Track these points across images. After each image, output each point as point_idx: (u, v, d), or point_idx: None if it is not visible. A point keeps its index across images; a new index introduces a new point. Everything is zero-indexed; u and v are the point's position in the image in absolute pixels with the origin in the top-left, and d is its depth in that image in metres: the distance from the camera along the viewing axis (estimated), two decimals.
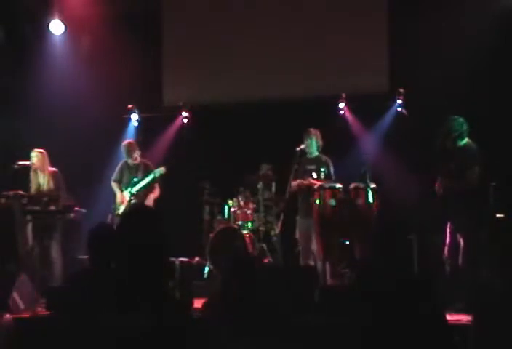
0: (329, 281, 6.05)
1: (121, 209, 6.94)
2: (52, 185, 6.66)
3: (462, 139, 5.48)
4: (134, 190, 6.93)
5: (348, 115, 7.92)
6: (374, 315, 2.63)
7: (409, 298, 2.62)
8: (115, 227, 4.73)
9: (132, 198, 6.93)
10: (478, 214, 5.40)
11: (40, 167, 6.71)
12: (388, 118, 7.74)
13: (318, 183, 6.20)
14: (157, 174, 6.96)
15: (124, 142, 7.24)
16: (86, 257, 5.54)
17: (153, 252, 2.04)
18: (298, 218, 6.50)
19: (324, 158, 6.49)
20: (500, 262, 5.15)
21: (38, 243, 6.45)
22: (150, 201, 6.99)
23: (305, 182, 6.33)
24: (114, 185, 7.14)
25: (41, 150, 6.77)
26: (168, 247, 2.09)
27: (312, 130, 6.52)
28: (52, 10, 7.82)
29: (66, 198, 6.62)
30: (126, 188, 7.00)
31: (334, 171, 6.47)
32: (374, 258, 2.81)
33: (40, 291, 5.62)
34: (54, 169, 6.78)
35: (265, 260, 7.15)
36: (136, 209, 2.24)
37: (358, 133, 7.89)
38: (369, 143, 7.76)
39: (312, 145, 6.49)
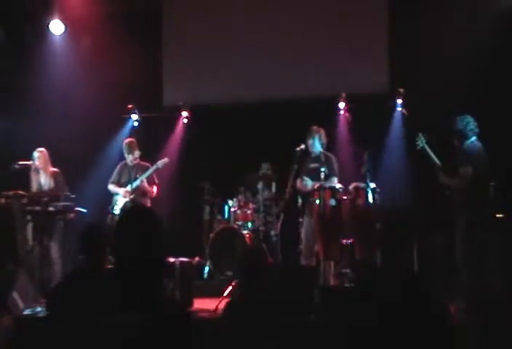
0: (332, 281, 6.03)
1: (121, 204, 6.92)
2: (53, 185, 6.67)
3: (467, 138, 5.51)
4: (135, 184, 6.90)
5: (348, 115, 7.90)
6: (374, 315, 2.62)
7: (413, 298, 2.60)
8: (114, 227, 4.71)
9: (131, 193, 6.90)
10: (477, 214, 5.40)
11: (43, 167, 6.74)
12: (391, 118, 7.73)
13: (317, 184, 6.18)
14: (160, 165, 6.95)
15: (126, 140, 7.23)
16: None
17: (151, 252, 2.04)
18: (304, 218, 6.43)
19: (326, 156, 6.41)
20: (500, 262, 5.16)
21: (38, 243, 6.44)
22: (147, 199, 6.98)
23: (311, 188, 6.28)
24: (112, 187, 7.12)
25: (43, 150, 6.79)
26: (165, 247, 2.09)
27: (315, 128, 6.48)
28: (52, 10, 7.81)
29: (66, 197, 6.61)
30: (127, 186, 6.97)
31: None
32: (383, 260, 2.76)
33: (40, 291, 5.62)
34: (55, 169, 6.79)
35: None
36: (133, 209, 2.24)
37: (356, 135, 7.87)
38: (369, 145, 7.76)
39: (315, 144, 6.45)
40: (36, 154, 6.75)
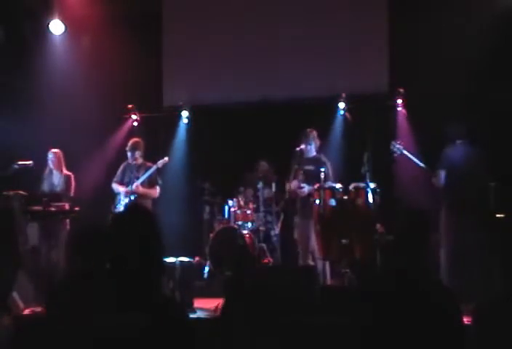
0: (328, 281, 6.05)
1: (124, 203, 6.92)
2: (64, 187, 6.73)
3: (451, 142, 5.81)
4: (135, 184, 6.88)
5: (348, 115, 7.90)
6: (375, 315, 2.61)
7: (431, 299, 2.58)
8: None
9: (132, 192, 6.88)
10: (477, 214, 5.42)
11: (57, 168, 6.85)
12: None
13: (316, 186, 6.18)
14: (160, 165, 6.95)
15: (131, 140, 7.19)
16: None
17: (144, 252, 2.03)
18: (297, 219, 6.46)
19: (323, 158, 6.42)
20: (500, 262, 5.14)
21: (45, 243, 6.45)
22: (148, 199, 6.96)
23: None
24: (115, 185, 7.12)
25: (57, 151, 6.91)
26: (162, 247, 2.09)
27: (308, 131, 6.49)
28: (52, 10, 7.81)
29: (67, 197, 6.62)
30: (128, 185, 6.96)
31: (335, 171, 6.45)
32: (400, 261, 2.72)
33: (40, 291, 5.62)
34: (69, 172, 6.91)
35: (265, 260, 7.15)
36: (128, 209, 2.23)
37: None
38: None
39: (312, 149, 6.46)
40: (50, 155, 6.87)
